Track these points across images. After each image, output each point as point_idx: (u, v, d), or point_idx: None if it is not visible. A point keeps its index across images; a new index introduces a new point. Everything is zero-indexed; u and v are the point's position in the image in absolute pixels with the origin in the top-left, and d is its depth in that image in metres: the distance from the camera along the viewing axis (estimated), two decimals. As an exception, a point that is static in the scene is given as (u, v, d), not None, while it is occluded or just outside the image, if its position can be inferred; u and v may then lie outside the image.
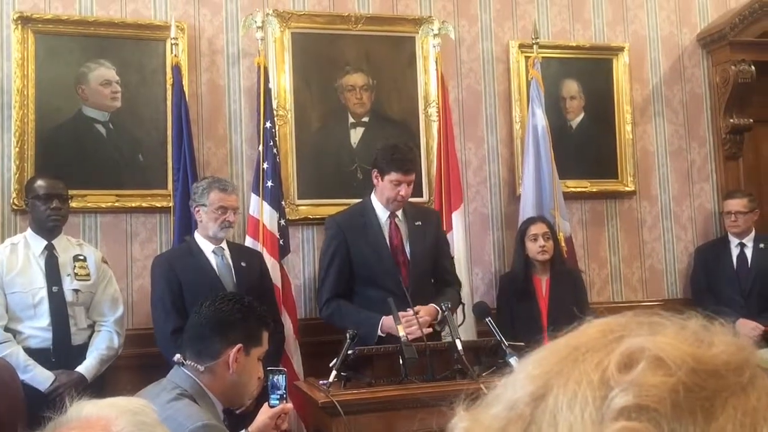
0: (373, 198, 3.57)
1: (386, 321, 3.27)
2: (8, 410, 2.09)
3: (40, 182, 3.35)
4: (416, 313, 3.22)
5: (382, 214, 3.54)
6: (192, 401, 2.01)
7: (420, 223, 3.58)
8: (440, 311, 3.31)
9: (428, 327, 3.26)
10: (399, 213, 3.56)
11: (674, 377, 0.49)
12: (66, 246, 3.36)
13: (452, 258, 3.89)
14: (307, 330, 3.94)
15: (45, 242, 3.30)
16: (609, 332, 0.54)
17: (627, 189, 4.66)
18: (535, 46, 4.39)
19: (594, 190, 4.62)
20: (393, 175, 3.42)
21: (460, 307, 3.81)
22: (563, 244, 4.16)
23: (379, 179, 3.49)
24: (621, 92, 4.69)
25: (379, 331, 3.29)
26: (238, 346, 2.11)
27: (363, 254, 3.48)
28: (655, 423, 0.47)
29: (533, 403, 0.52)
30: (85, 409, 0.97)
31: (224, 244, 3.50)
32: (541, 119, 4.28)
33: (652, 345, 0.51)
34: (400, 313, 3.11)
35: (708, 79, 4.90)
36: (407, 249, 3.52)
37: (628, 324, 0.55)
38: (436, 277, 3.63)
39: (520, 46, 4.53)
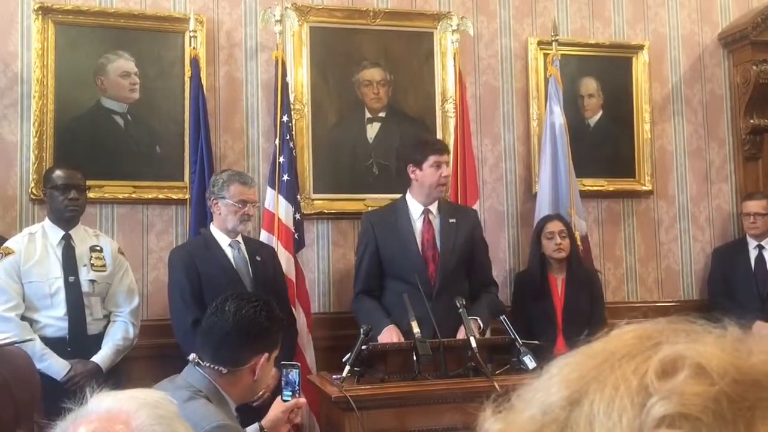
0: (408, 196, 3.60)
1: (386, 333, 3.24)
2: (25, 398, 2.11)
3: (58, 172, 3.37)
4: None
5: (415, 211, 3.57)
6: (207, 401, 2.01)
7: (454, 220, 3.59)
8: (458, 305, 3.29)
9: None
10: (433, 209, 3.57)
11: (716, 387, 0.48)
12: (83, 236, 3.38)
13: (489, 259, 3.85)
14: (320, 324, 3.94)
15: (62, 232, 3.32)
16: (646, 338, 0.54)
17: (644, 188, 4.63)
18: (554, 43, 4.36)
19: (611, 189, 4.59)
20: (432, 159, 3.48)
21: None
22: (579, 242, 4.13)
23: (417, 170, 3.52)
24: (640, 91, 4.65)
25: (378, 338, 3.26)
26: (266, 355, 2.12)
27: (391, 249, 3.52)
28: None
29: (569, 407, 0.52)
30: (105, 402, 0.97)
31: (240, 238, 3.51)
32: (558, 117, 4.25)
33: (692, 353, 0.50)
34: None
35: (729, 79, 4.85)
36: (438, 244, 3.53)
37: (665, 330, 0.54)
38: (471, 278, 3.62)
39: (539, 43, 4.51)
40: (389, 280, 3.54)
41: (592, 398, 0.51)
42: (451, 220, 3.58)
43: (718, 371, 0.49)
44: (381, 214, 3.68)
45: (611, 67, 4.63)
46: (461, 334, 3.23)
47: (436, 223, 3.57)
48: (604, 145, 4.60)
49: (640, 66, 4.66)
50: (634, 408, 0.48)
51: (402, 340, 3.18)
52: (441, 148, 3.58)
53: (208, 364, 2.09)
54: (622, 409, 0.49)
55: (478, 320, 3.35)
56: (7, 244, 3.27)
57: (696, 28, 4.84)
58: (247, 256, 3.48)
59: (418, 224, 3.56)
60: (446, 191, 3.64)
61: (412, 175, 3.56)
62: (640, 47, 4.67)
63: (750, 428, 0.47)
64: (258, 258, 3.49)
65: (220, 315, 2.14)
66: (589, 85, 4.60)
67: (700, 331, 0.54)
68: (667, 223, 4.71)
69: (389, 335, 3.22)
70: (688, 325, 0.55)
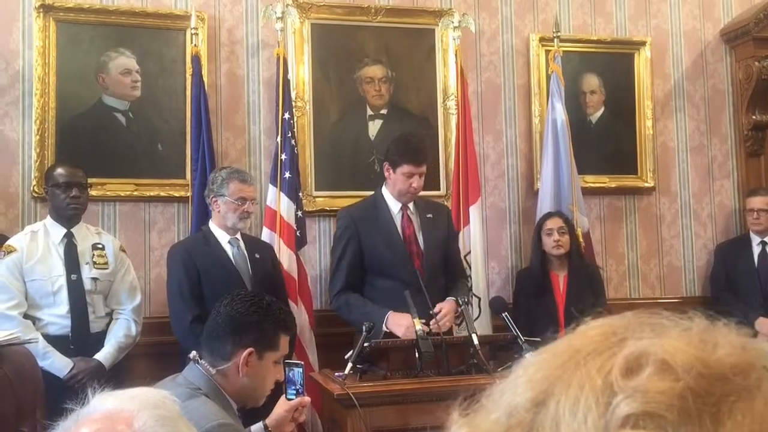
0: (384, 190, 3.55)
1: (392, 318, 3.24)
2: (27, 396, 2.11)
3: (59, 170, 3.37)
4: (438, 312, 3.22)
5: (393, 206, 3.52)
6: (206, 399, 2.00)
7: (431, 215, 3.57)
8: (458, 305, 3.31)
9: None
10: (410, 205, 3.55)
11: (681, 382, 0.47)
12: (85, 234, 3.38)
13: (460, 252, 3.87)
14: (322, 321, 3.94)
15: (64, 230, 3.32)
16: (611, 334, 0.53)
17: (646, 185, 4.62)
18: (555, 40, 4.35)
19: (613, 185, 4.58)
20: (405, 168, 3.40)
21: (475, 300, 3.81)
22: (581, 239, 4.13)
23: (391, 172, 3.47)
24: (642, 87, 4.65)
25: (384, 327, 3.27)
26: (250, 350, 2.06)
27: (375, 245, 3.47)
28: (663, 430, 0.46)
29: (534, 409, 0.51)
30: (107, 402, 0.97)
31: (239, 235, 3.51)
32: (560, 113, 4.25)
33: (657, 348, 0.49)
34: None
35: (731, 74, 4.84)
36: (420, 240, 3.51)
37: (630, 325, 0.53)
38: (445, 270, 3.61)
39: (541, 39, 4.50)
40: (371, 277, 3.48)
41: (558, 398, 0.50)
42: (428, 216, 3.55)
43: (683, 366, 0.48)
44: (360, 208, 3.59)
45: (613, 64, 4.63)
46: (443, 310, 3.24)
47: (415, 219, 3.54)
48: (606, 141, 4.60)
49: (642, 62, 4.66)
50: (599, 407, 0.48)
51: (413, 322, 3.09)
52: (419, 159, 3.40)
53: (205, 362, 2.09)
54: (587, 409, 0.48)
55: (456, 300, 3.33)
56: (9, 242, 3.27)
57: (698, 24, 4.83)
58: (246, 253, 3.48)
59: (398, 219, 3.51)
60: (412, 200, 3.55)
61: (386, 173, 3.50)
62: (642, 43, 4.66)
63: (716, 423, 0.46)
64: (257, 255, 3.50)
65: (216, 311, 2.15)
66: (591, 82, 4.60)
67: (666, 325, 0.53)
68: (669, 219, 4.70)
69: (399, 320, 3.18)
70: (654, 319, 0.54)
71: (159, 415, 0.96)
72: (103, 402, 0.97)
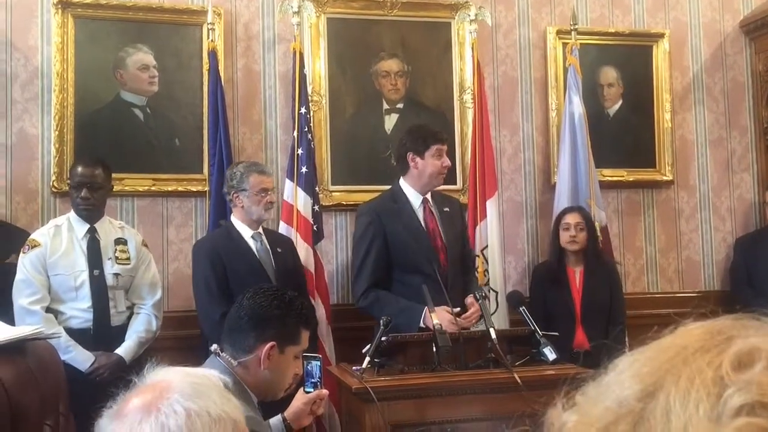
0: (404, 183, 3.51)
1: (435, 314, 3.21)
2: (50, 389, 2.13)
3: (77, 168, 3.36)
4: (467, 308, 3.24)
5: (414, 199, 3.49)
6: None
7: (448, 209, 3.56)
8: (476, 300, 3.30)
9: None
10: (429, 198, 3.53)
11: None
12: (108, 229, 3.40)
13: (470, 246, 3.88)
14: (339, 315, 3.95)
15: (87, 225, 3.34)
16: (716, 332, 0.56)
17: (665, 178, 4.59)
18: (573, 33, 4.33)
19: (631, 179, 4.55)
20: (434, 148, 3.41)
21: (492, 294, 3.81)
22: (599, 234, 4.10)
23: (418, 159, 3.42)
24: (660, 80, 4.61)
25: (422, 323, 3.22)
26: (272, 343, 2.08)
27: (401, 239, 3.41)
28: None
29: (644, 399, 0.54)
30: (159, 374, 1.13)
31: (261, 229, 3.52)
32: (578, 107, 4.22)
33: (766, 345, 0.52)
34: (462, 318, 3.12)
35: (750, 67, 4.79)
36: (442, 233, 3.49)
37: (734, 325, 0.57)
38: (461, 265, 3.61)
39: (558, 32, 4.47)
40: (398, 273, 3.43)
41: (668, 390, 0.53)
42: (445, 209, 3.54)
43: None
44: (382, 202, 3.54)
45: (631, 56, 4.59)
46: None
47: (435, 212, 3.52)
48: (624, 134, 4.56)
49: (660, 54, 4.62)
50: (710, 398, 0.51)
51: (452, 316, 3.08)
52: (443, 136, 3.50)
53: (225, 355, 2.10)
54: (698, 401, 0.51)
55: (474, 294, 3.33)
56: (33, 236, 3.30)
57: (717, 15, 4.78)
58: (269, 247, 3.49)
59: (420, 213, 3.48)
60: (443, 180, 3.57)
61: (411, 163, 3.45)
62: (661, 35, 4.62)
63: None
64: (279, 249, 3.51)
65: (239, 304, 2.17)
66: (609, 75, 4.56)
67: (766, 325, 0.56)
68: (688, 213, 4.67)
69: (437, 316, 3.08)
70: (754, 321, 0.57)
71: (194, 383, 1.10)
72: (156, 374, 1.14)
